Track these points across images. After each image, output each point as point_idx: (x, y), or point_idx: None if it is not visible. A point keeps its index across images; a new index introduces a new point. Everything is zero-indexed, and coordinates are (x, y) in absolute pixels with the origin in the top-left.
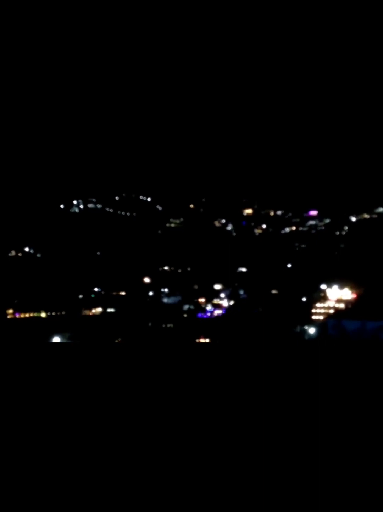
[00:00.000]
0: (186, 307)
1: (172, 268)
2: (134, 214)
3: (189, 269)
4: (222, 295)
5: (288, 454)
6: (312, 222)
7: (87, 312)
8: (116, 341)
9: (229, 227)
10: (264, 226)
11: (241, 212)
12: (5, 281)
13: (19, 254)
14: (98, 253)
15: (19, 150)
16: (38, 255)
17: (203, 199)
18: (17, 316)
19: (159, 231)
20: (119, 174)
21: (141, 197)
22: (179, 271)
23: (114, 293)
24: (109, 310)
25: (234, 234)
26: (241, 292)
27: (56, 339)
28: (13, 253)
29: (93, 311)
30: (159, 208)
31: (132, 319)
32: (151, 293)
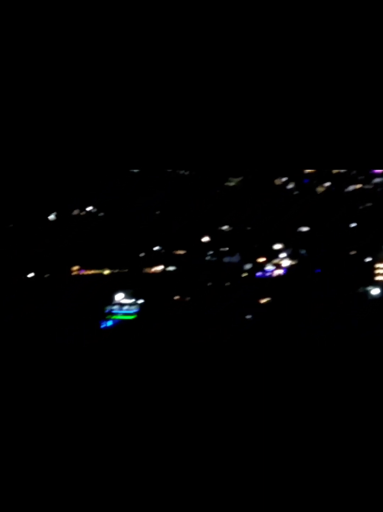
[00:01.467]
0: (246, 266)
1: (231, 228)
2: (193, 173)
3: (248, 228)
4: (283, 254)
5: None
6: (377, 180)
7: (148, 270)
8: (175, 298)
9: (290, 186)
10: (327, 184)
11: (303, 170)
12: (70, 239)
13: (82, 213)
14: (157, 212)
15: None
16: (101, 214)
17: (263, 157)
18: (82, 273)
19: (218, 190)
20: (174, 131)
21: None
22: (239, 230)
23: (174, 252)
24: (169, 268)
25: (296, 192)
26: (303, 251)
27: (120, 295)
28: (76, 212)
29: (154, 269)
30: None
31: (192, 278)
32: (210, 252)
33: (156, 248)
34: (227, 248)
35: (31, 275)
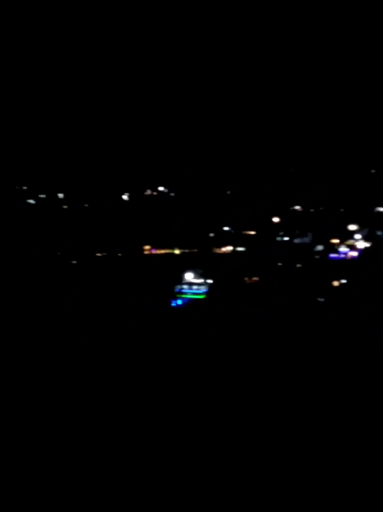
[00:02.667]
0: (318, 247)
1: (303, 208)
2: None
3: (321, 208)
4: (357, 236)
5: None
6: None
7: (217, 250)
8: (245, 279)
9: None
10: None
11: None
12: (142, 219)
13: (154, 194)
14: (228, 192)
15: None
16: (172, 194)
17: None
18: (153, 252)
19: (291, 169)
20: (244, 112)
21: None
22: (311, 210)
23: (244, 232)
24: (238, 249)
25: (373, 171)
26: (379, 233)
27: (189, 275)
28: (148, 192)
29: (223, 249)
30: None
31: (262, 259)
32: (281, 233)
33: (225, 228)
34: (297, 229)
35: (104, 253)
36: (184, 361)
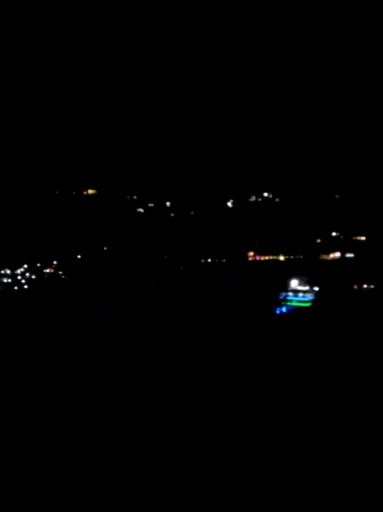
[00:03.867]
0: None
1: None
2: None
3: None
4: None
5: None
6: None
7: (324, 257)
8: (355, 287)
9: None
10: None
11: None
12: (246, 225)
13: (259, 199)
14: (337, 196)
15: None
16: (277, 199)
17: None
18: (257, 258)
19: None
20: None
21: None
22: None
23: (353, 238)
24: (348, 255)
25: None
26: None
27: (294, 282)
28: (253, 198)
29: (331, 256)
30: None
31: (372, 266)
32: None
33: (333, 233)
34: None
35: (209, 260)
36: (288, 370)
